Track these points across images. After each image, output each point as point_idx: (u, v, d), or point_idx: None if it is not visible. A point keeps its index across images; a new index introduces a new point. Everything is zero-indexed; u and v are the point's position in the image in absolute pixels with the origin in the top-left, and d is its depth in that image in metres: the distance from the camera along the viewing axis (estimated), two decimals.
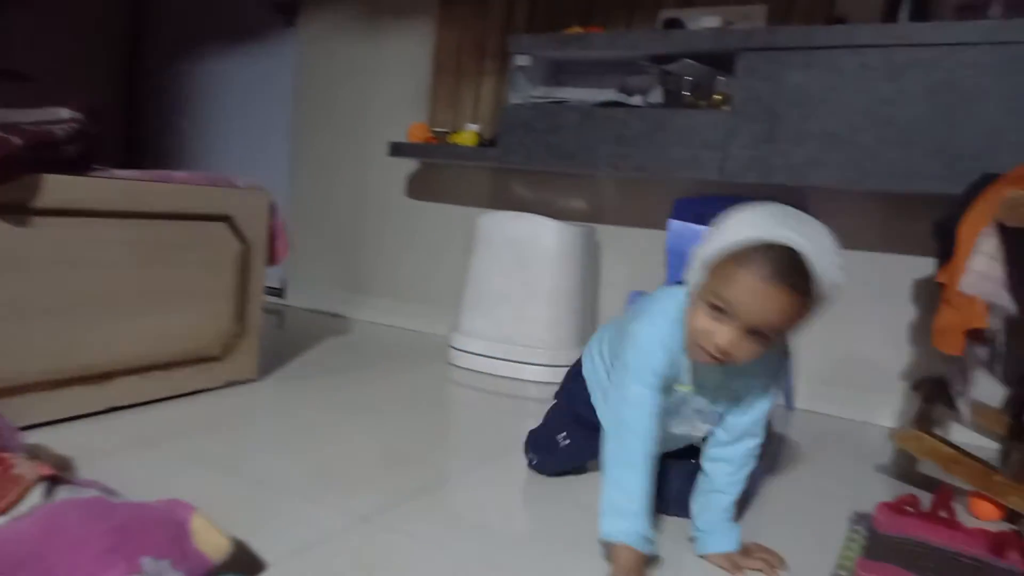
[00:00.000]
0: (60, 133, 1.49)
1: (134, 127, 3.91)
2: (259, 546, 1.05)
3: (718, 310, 0.97)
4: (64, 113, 1.59)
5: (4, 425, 1.10)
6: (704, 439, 1.24)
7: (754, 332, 0.97)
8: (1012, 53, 1.70)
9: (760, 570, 1.12)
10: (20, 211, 1.41)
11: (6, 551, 0.80)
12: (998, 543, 1.22)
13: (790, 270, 0.92)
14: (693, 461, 1.26)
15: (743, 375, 1.12)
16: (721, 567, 1.13)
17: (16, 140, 1.37)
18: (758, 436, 1.18)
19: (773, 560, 1.14)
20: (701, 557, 1.16)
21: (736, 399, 1.16)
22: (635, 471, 1.06)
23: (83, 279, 1.53)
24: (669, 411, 1.16)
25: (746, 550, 1.15)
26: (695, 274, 1.03)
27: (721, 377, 1.13)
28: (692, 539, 1.19)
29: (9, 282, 1.41)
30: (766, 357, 1.05)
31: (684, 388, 1.15)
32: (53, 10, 3.46)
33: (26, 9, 3.34)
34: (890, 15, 1.98)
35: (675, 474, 1.30)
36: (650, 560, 1.08)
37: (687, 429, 1.22)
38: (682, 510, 1.26)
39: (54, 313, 1.49)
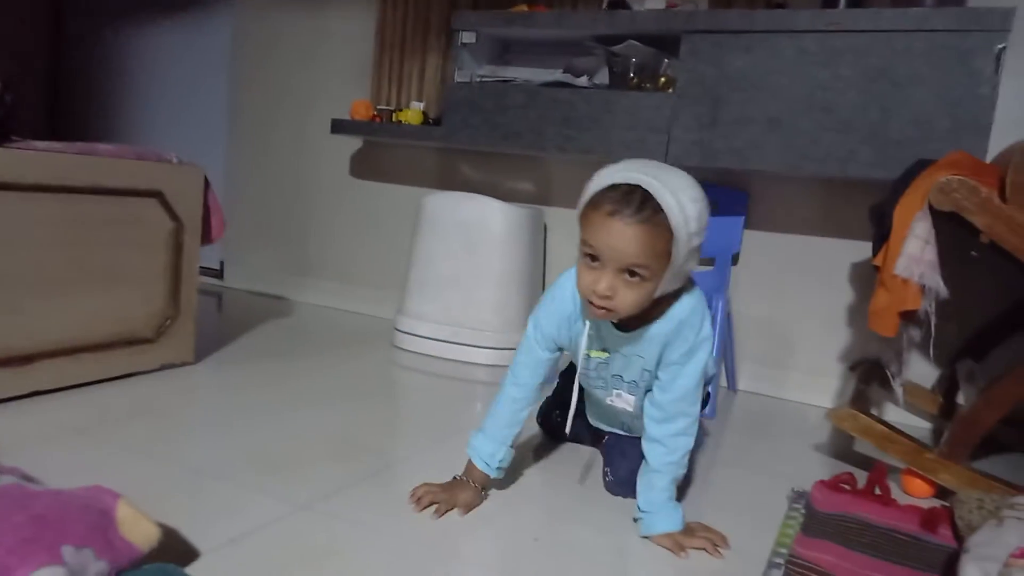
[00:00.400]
0: None
1: (56, 97, 3.72)
2: (193, 535, 1.01)
3: (592, 258, 1.05)
4: None
5: None
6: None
7: (627, 272, 1.03)
8: (943, 41, 1.74)
9: (703, 548, 1.13)
10: None
11: None
12: (930, 519, 1.26)
13: (634, 203, 0.99)
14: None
15: (652, 341, 1.17)
16: (665, 547, 1.14)
17: None
18: (688, 415, 1.18)
19: (716, 539, 1.15)
20: (645, 538, 1.16)
21: (652, 369, 1.20)
22: (500, 405, 1.25)
23: (0, 257, 1.44)
24: (591, 378, 1.29)
25: (689, 530, 1.16)
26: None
27: (629, 343, 1.19)
28: (636, 520, 1.20)
29: None
30: (675, 324, 1.14)
31: (597, 354, 1.23)
32: None
33: None
34: (830, 1, 2.00)
35: (626, 456, 1.32)
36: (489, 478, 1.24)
37: (612, 399, 1.29)
38: (631, 492, 1.27)
39: None
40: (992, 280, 1.92)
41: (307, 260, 3.06)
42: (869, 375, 1.86)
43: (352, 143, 2.91)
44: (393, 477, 1.34)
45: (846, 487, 1.40)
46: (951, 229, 1.45)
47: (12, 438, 1.29)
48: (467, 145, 2.41)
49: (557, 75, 2.27)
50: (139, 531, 0.84)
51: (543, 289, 2.57)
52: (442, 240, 2.36)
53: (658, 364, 1.19)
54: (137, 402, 1.60)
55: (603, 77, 2.26)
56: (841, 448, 1.77)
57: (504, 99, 2.27)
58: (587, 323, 1.17)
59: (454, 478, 1.24)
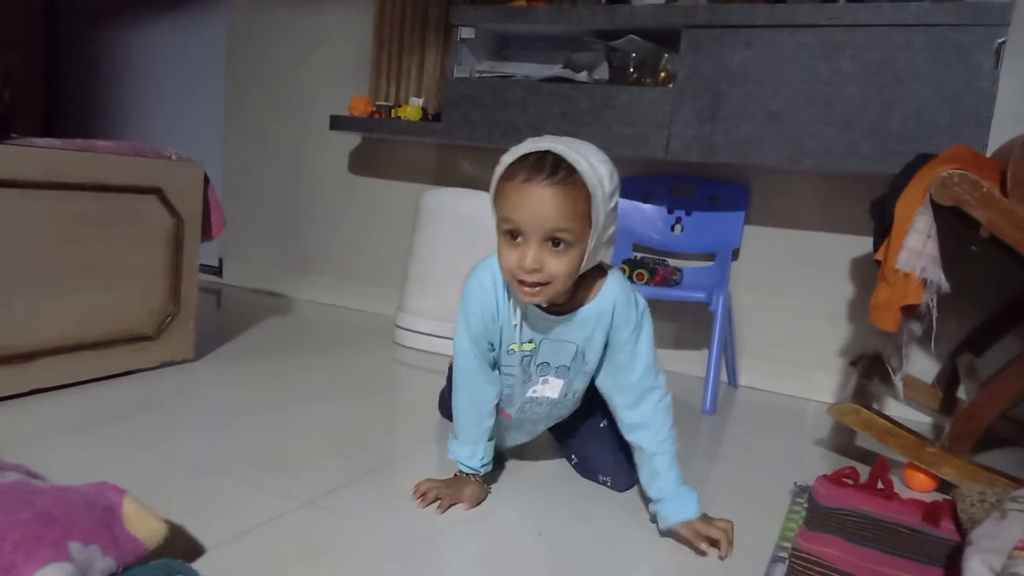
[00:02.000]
0: None
1: (53, 94, 3.71)
2: (196, 531, 1.01)
3: (512, 235, 1.02)
4: None
5: None
6: (586, 403, 1.31)
7: (551, 240, 1.00)
8: (943, 35, 1.74)
9: (718, 542, 1.10)
10: None
11: None
12: (932, 512, 1.27)
13: (547, 166, 0.98)
14: (598, 420, 1.35)
15: (585, 324, 1.15)
16: (686, 538, 1.11)
17: None
18: (658, 387, 1.18)
19: (728, 529, 1.12)
20: (666, 535, 1.14)
21: (586, 354, 1.18)
22: (461, 412, 1.22)
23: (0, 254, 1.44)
24: (511, 376, 1.21)
25: (706, 519, 1.13)
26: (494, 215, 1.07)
27: (560, 326, 1.15)
28: (653, 518, 1.18)
29: None
30: (610, 305, 1.14)
31: (522, 347, 1.17)
32: None
33: None
34: None
35: (584, 438, 1.37)
36: (478, 478, 1.23)
37: (536, 389, 1.23)
38: (604, 470, 1.33)
39: None
40: (992, 274, 1.92)
41: (306, 257, 3.06)
42: (870, 370, 1.86)
43: (350, 139, 2.91)
44: (394, 473, 1.34)
45: (848, 481, 1.40)
46: (951, 223, 1.45)
47: (14, 435, 1.29)
48: (466, 141, 2.40)
49: (557, 70, 2.27)
50: (145, 527, 0.84)
51: None
52: (441, 236, 2.35)
53: (602, 349, 1.18)
54: (139, 399, 1.60)
55: (603, 72, 2.26)
56: (843, 443, 1.78)
57: (503, 94, 2.26)
58: (517, 311, 1.13)
59: (455, 474, 1.23)
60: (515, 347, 1.17)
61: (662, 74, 2.15)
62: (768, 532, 1.21)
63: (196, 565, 0.91)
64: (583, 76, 2.23)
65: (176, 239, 1.80)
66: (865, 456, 1.67)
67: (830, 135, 1.86)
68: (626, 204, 2.38)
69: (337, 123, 2.63)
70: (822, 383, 2.20)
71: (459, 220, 2.32)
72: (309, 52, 2.95)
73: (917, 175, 1.50)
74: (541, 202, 0.98)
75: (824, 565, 1.08)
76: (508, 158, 1.03)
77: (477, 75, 2.38)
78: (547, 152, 0.99)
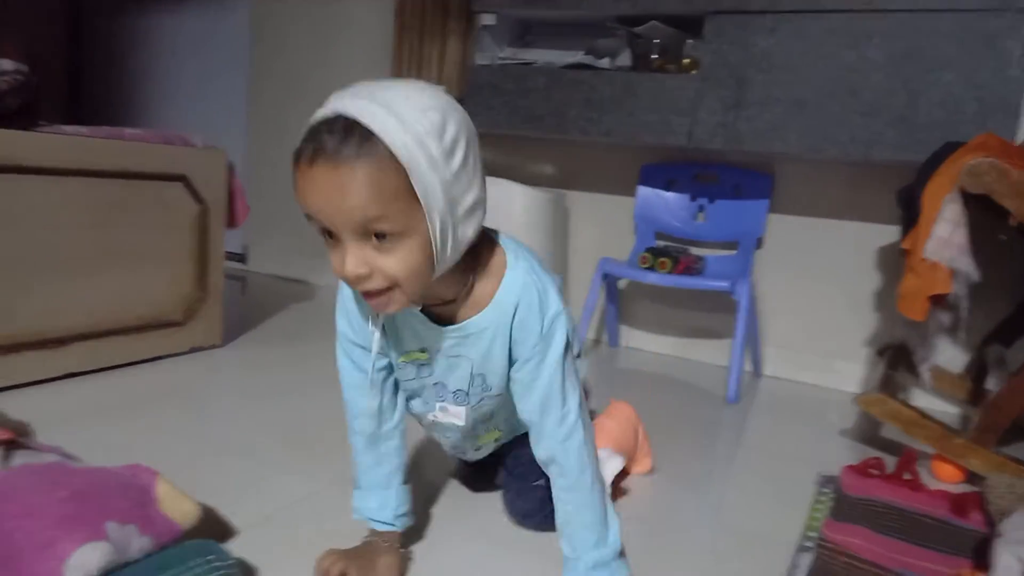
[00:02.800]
0: (3, 86, 1.41)
1: (79, 82, 3.75)
2: (227, 512, 1.02)
3: (327, 235, 0.76)
4: (6, 64, 1.51)
5: None
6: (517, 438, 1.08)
7: (373, 235, 0.73)
8: (971, 22, 1.71)
9: None
10: None
11: None
12: (960, 504, 1.26)
13: (334, 137, 0.70)
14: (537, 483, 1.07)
15: (481, 337, 0.87)
16: None
17: None
18: (567, 413, 0.88)
19: None
20: None
21: (487, 373, 0.91)
22: (357, 452, 0.98)
23: (30, 240, 1.46)
24: (408, 389, 0.98)
25: None
26: None
27: (449, 340, 0.89)
28: None
29: None
30: (510, 311, 0.85)
31: (414, 356, 0.92)
32: None
33: None
34: None
35: (510, 484, 1.14)
36: (393, 535, 0.97)
37: (436, 415, 0.99)
38: (527, 520, 1.11)
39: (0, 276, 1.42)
40: (1021, 264, 1.89)
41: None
42: (897, 360, 1.84)
43: None
44: (418, 454, 1.35)
45: (875, 472, 1.39)
46: (979, 212, 1.43)
47: (48, 418, 1.31)
48: (488, 128, 2.40)
49: (579, 57, 2.25)
50: (178, 508, 0.85)
51: (566, 274, 2.56)
52: None
53: (507, 369, 0.90)
54: (169, 384, 1.62)
55: (625, 59, 2.24)
56: (869, 433, 1.76)
57: (525, 82, 2.25)
58: (378, 317, 0.88)
59: (366, 536, 0.98)
60: (404, 358, 0.93)
61: (685, 60, 2.13)
62: (793, 521, 1.20)
63: (229, 546, 0.93)
64: (605, 63, 2.22)
65: (201, 226, 1.82)
66: (892, 447, 1.65)
67: (856, 123, 1.84)
68: (648, 192, 2.37)
69: None
70: (848, 373, 2.18)
71: None
72: (331, 40, 2.95)
73: (945, 163, 1.48)
74: (333, 189, 0.70)
75: (851, 555, 1.07)
76: (303, 131, 0.75)
77: (499, 62, 2.38)
78: (338, 117, 0.71)
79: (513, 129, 2.32)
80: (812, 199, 2.21)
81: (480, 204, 0.79)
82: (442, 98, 0.73)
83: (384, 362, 0.94)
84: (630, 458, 1.33)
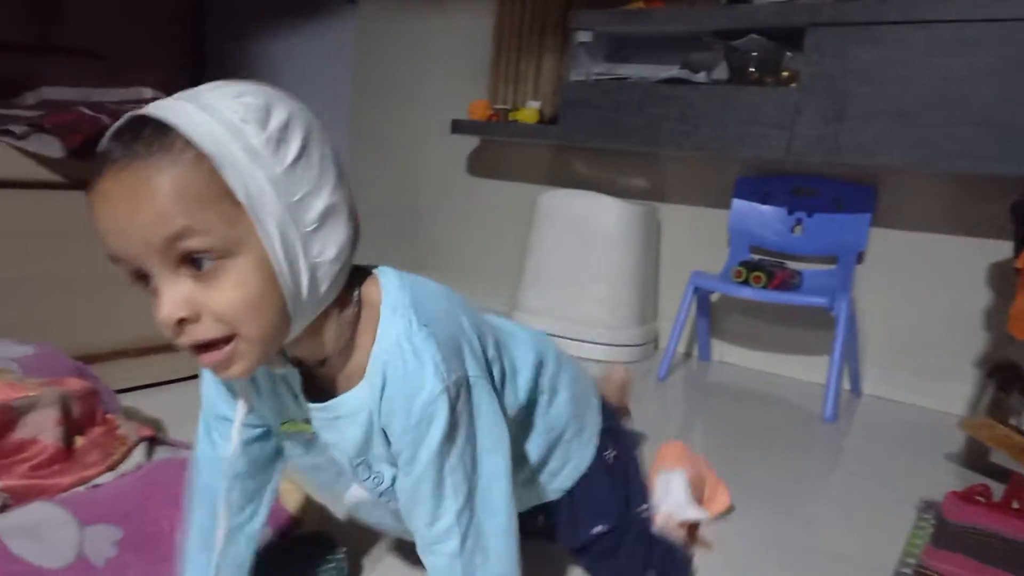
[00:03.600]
0: None
1: None
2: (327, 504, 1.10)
3: (135, 277, 0.58)
4: (147, 93, 1.66)
5: (103, 389, 1.17)
6: None
7: (187, 261, 0.55)
8: None
9: None
10: None
11: (115, 503, 0.86)
12: None
13: (122, 140, 0.54)
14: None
15: (353, 421, 0.68)
16: None
17: (106, 119, 1.44)
18: (440, 523, 0.67)
19: None
20: None
21: (374, 463, 0.72)
22: (191, 543, 0.78)
23: None
24: (300, 468, 0.80)
25: None
26: None
27: (315, 421, 0.71)
28: None
29: (102, 255, 1.49)
30: (379, 383, 0.65)
31: (296, 427, 0.73)
32: None
33: None
34: None
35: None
36: None
37: (359, 493, 0.78)
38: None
39: None
40: None
41: (424, 253, 3.19)
42: (1008, 383, 1.76)
43: (469, 141, 3.00)
44: None
45: (981, 499, 1.35)
46: None
47: (180, 416, 1.43)
48: (582, 143, 2.44)
49: (674, 71, 2.27)
50: (290, 497, 0.93)
51: (657, 287, 2.57)
52: (556, 236, 2.40)
53: (388, 451, 0.69)
54: None
55: (721, 72, 2.24)
56: (975, 458, 1.69)
57: (620, 96, 2.28)
58: (252, 384, 0.70)
59: None
60: (287, 427, 0.74)
61: (784, 73, 2.11)
62: (890, 547, 1.18)
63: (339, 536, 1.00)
64: (701, 76, 2.22)
65: None
66: (1000, 474, 1.58)
67: (964, 135, 1.78)
68: (744, 205, 2.35)
69: (457, 127, 2.73)
70: (954, 395, 2.10)
71: (574, 220, 2.36)
72: (432, 59, 3.06)
73: None
74: (122, 202, 0.54)
75: None
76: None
77: (593, 77, 2.41)
78: (129, 120, 0.56)
79: (606, 143, 2.35)
80: (917, 213, 2.14)
81: (339, 214, 0.62)
82: (267, 89, 0.60)
83: (255, 432, 0.75)
84: (703, 494, 1.20)
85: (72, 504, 0.92)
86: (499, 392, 0.74)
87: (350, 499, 0.79)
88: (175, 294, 0.55)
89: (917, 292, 2.15)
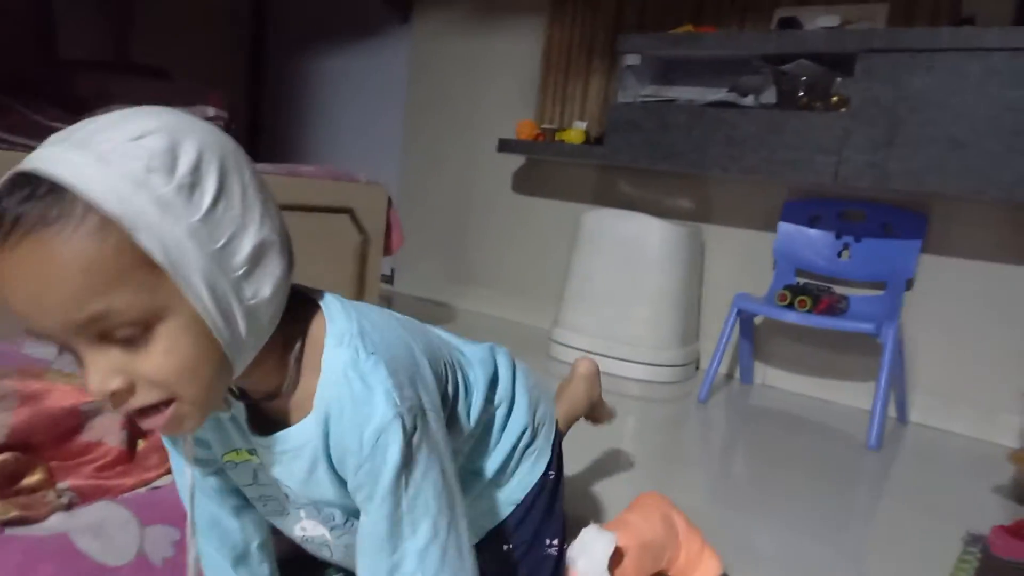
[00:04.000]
0: None
1: (256, 120, 4.15)
2: None
3: (65, 349, 0.52)
4: (210, 111, 1.74)
5: None
6: None
7: (103, 337, 0.50)
8: None
9: None
10: None
11: (174, 505, 0.91)
12: None
13: (11, 211, 0.47)
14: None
15: (296, 454, 0.64)
16: None
17: None
18: (403, 567, 0.61)
19: None
20: None
21: (336, 502, 0.68)
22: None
23: None
24: (251, 498, 0.74)
25: None
26: None
27: (262, 453, 0.66)
28: None
29: None
30: (323, 420, 0.61)
31: (239, 457, 0.68)
32: (181, 4, 3.67)
33: (152, 3, 3.53)
34: (1021, 17, 1.88)
35: None
36: None
37: (303, 528, 0.73)
38: None
39: None
40: None
41: (470, 270, 3.23)
42: None
43: (516, 160, 3.04)
44: None
45: None
46: None
47: None
48: (628, 163, 2.46)
49: (722, 95, 2.28)
50: None
51: (700, 309, 2.57)
52: (600, 255, 2.42)
53: (343, 492, 0.64)
54: None
55: (770, 96, 2.24)
56: (1023, 492, 1.66)
57: (666, 118, 2.30)
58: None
59: None
60: (230, 457, 0.69)
61: (834, 99, 2.10)
62: None
63: None
64: (749, 100, 2.23)
65: (362, 254, 1.99)
66: None
67: (1019, 163, 1.75)
68: (790, 228, 2.34)
69: (505, 146, 2.77)
70: (1003, 425, 2.05)
71: (618, 240, 2.38)
72: (482, 79, 3.12)
73: None
74: (25, 282, 0.48)
75: None
76: None
77: (641, 99, 2.43)
78: (19, 176, 0.48)
79: (652, 164, 2.37)
80: (970, 241, 2.10)
81: (270, 248, 0.56)
82: (169, 117, 0.51)
83: (211, 470, 0.72)
84: (666, 557, 1.04)
85: (134, 504, 0.97)
86: (455, 410, 0.73)
87: (300, 532, 0.73)
88: (102, 366, 0.50)
89: (968, 320, 2.11)
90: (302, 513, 0.70)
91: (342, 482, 0.63)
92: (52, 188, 0.47)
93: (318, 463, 0.63)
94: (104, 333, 0.49)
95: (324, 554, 0.76)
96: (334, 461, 0.62)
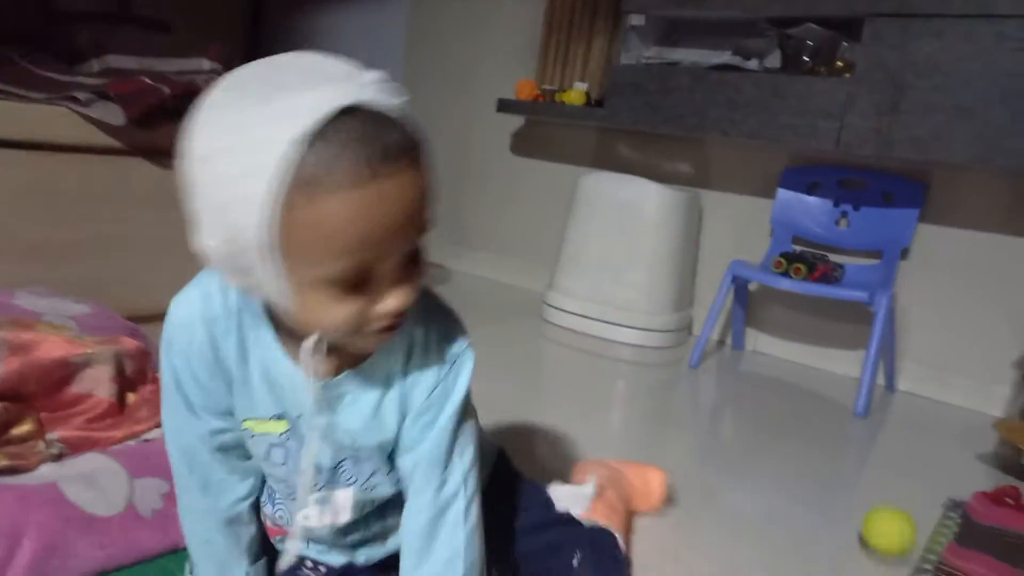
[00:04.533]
0: (203, 84, 1.61)
1: None
2: None
3: (347, 284, 0.55)
4: (205, 64, 1.71)
5: (154, 349, 1.23)
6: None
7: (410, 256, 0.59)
8: None
9: None
10: (166, 155, 1.54)
11: (163, 458, 0.92)
12: None
13: (383, 135, 0.54)
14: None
15: (372, 388, 0.67)
16: None
17: (166, 90, 1.49)
18: (448, 484, 0.68)
19: None
20: None
21: (374, 444, 0.69)
22: (186, 527, 0.77)
23: None
24: (270, 475, 0.74)
25: None
26: (241, 257, 0.53)
27: (334, 401, 0.67)
28: None
29: (164, 220, 1.55)
30: (407, 337, 0.68)
31: (271, 427, 0.68)
32: None
33: None
34: None
35: None
36: None
37: (320, 516, 0.73)
38: None
39: None
40: None
41: (466, 231, 3.22)
42: None
43: (514, 121, 3.01)
44: (536, 446, 1.43)
45: (1009, 501, 1.34)
46: None
47: None
48: (628, 126, 2.43)
49: (726, 57, 2.24)
50: None
51: (695, 273, 2.56)
52: (597, 219, 2.41)
53: (391, 444, 0.69)
54: None
55: (774, 60, 2.21)
56: (1007, 460, 1.67)
57: (669, 81, 2.26)
58: (250, 356, 0.66)
59: None
60: (252, 424, 0.68)
61: (839, 63, 2.07)
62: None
63: None
64: (753, 64, 2.20)
65: None
66: None
67: None
68: (789, 195, 2.33)
69: (504, 106, 2.74)
70: (990, 395, 2.06)
71: (616, 204, 2.37)
72: (482, 37, 3.07)
73: None
74: (400, 199, 0.54)
75: None
76: (280, 152, 0.49)
77: (644, 61, 2.40)
78: (354, 110, 0.53)
79: (652, 127, 2.34)
80: (970, 211, 2.09)
81: None
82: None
83: (219, 425, 0.70)
84: (626, 485, 1.15)
85: (124, 456, 0.98)
86: None
87: (300, 522, 0.72)
88: (404, 283, 0.59)
89: (960, 290, 2.11)
90: (318, 486, 0.71)
91: (402, 418, 0.68)
92: (396, 120, 0.55)
93: (387, 394, 0.67)
94: (413, 252, 0.59)
95: (318, 548, 0.79)
96: (406, 387, 0.67)
